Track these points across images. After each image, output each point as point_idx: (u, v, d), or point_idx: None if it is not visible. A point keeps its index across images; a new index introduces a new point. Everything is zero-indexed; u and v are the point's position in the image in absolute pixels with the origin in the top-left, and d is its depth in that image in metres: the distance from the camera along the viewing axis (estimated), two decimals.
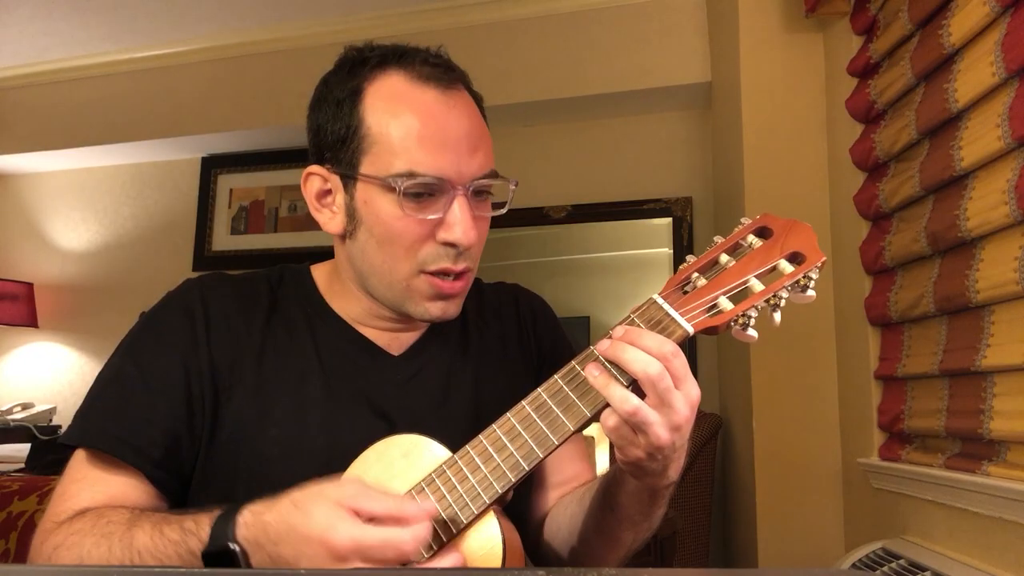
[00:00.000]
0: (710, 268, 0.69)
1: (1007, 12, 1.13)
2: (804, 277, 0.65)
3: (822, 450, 1.80)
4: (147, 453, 0.74)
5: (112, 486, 0.73)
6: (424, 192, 0.74)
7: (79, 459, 0.76)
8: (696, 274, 0.68)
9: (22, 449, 2.42)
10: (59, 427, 3.13)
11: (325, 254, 0.87)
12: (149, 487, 0.75)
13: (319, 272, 0.89)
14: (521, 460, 0.65)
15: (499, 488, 0.65)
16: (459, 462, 0.67)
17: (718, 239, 0.70)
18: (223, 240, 3.29)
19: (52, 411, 3.19)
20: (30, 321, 3.36)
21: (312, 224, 3.16)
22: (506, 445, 0.66)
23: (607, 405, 0.63)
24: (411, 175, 0.73)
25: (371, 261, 0.78)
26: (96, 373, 0.79)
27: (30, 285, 3.42)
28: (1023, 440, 1.10)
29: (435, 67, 0.77)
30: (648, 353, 0.62)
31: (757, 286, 0.65)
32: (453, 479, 0.67)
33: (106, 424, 0.75)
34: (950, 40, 1.27)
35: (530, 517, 0.89)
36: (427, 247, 0.76)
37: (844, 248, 1.75)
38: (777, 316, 0.66)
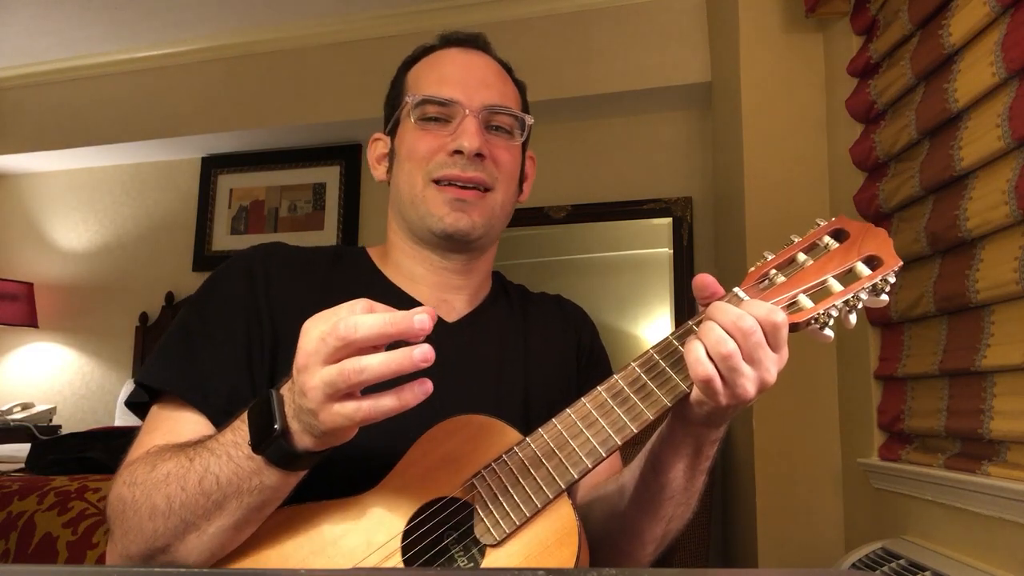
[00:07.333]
0: (787, 266, 0.69)
1: (1007, 12, 1.13)
2: (882, 280, 0.66)
3: (822, 450, 1.79)
4: (212, 401, 0.76)
5: (183, 433, 0.75)
6: (438, 114, 0.86)
7: (152, 414, 0.79)
8: (774, 271, 0.69)
9: (22, 449, 2.42)
10: (59, 427, 3.13)
11: None
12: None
13: (373, 251, 0.96)
14: (598, 446, 0.66)
15: (575, 474, 0.66)
16: (532, 446, 0.69)
17: (795, 238, 0.71)
18: (223, 240, 3.29)
19: (52, 411, 3.19)
20: (30, 321, 3.36)
21: (312, 224, 3.17)
22: (582, 431, 0.67)
23: (685, 394, 0.66)
24: (426, 99, 0.86)
25: (399, 184, 0.89)
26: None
27: (30, 285, 3.42)
28: (1023, 440, 1.10)
29: (466, 37, 0.92)
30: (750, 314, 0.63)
31: (836, 286, 0.66)
32: (526, 462, 0.68)
33: (174, 370, 0.78)
34: (950, 40, 1.27)
35: None
36: (438, 157, 0.85)
37: None
38: (853, 318, 0.67)
